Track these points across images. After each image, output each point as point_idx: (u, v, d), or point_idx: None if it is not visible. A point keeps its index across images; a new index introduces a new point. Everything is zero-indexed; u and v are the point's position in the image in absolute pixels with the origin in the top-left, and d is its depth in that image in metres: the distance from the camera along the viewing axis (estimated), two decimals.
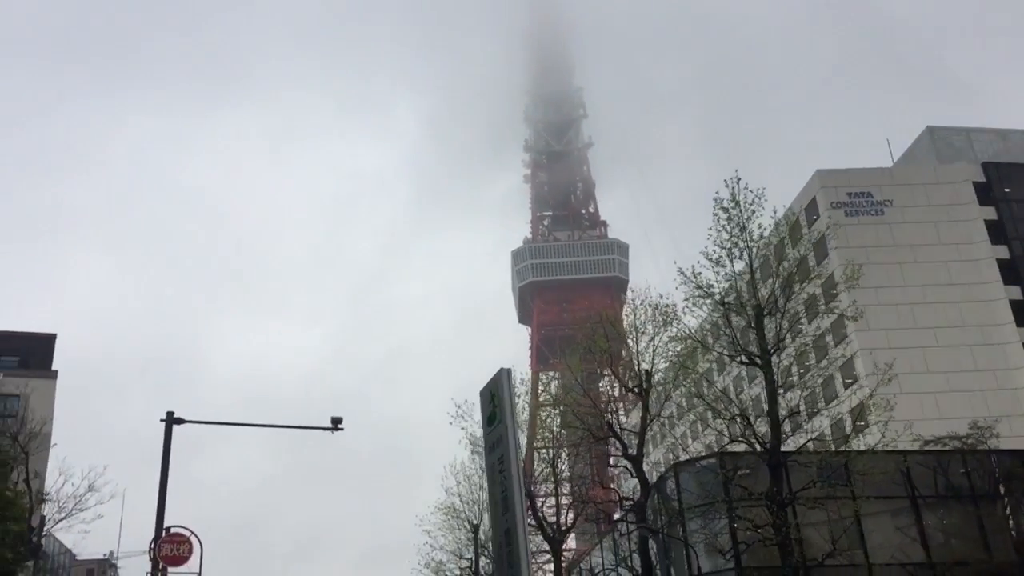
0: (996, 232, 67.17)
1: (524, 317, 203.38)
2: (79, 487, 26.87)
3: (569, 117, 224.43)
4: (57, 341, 53.33)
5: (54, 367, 49.74)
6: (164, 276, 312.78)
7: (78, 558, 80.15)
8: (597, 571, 37.60)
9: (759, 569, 28.24)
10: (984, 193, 68.50)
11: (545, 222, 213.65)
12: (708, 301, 29.19)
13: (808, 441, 28.09)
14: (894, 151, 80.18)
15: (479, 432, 39.36)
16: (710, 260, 28.95)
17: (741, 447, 29.64)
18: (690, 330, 30.46)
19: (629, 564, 34.76)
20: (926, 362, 61.68)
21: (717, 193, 29.72)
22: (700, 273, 28.97)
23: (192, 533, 20.95)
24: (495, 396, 14.61)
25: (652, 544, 32.70)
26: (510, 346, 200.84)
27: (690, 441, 41.54)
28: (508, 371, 14.64)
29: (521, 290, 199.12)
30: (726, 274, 29.81)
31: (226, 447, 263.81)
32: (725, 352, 29.80)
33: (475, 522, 43.50)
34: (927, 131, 77.08)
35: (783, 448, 27.65)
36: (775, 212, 30.07)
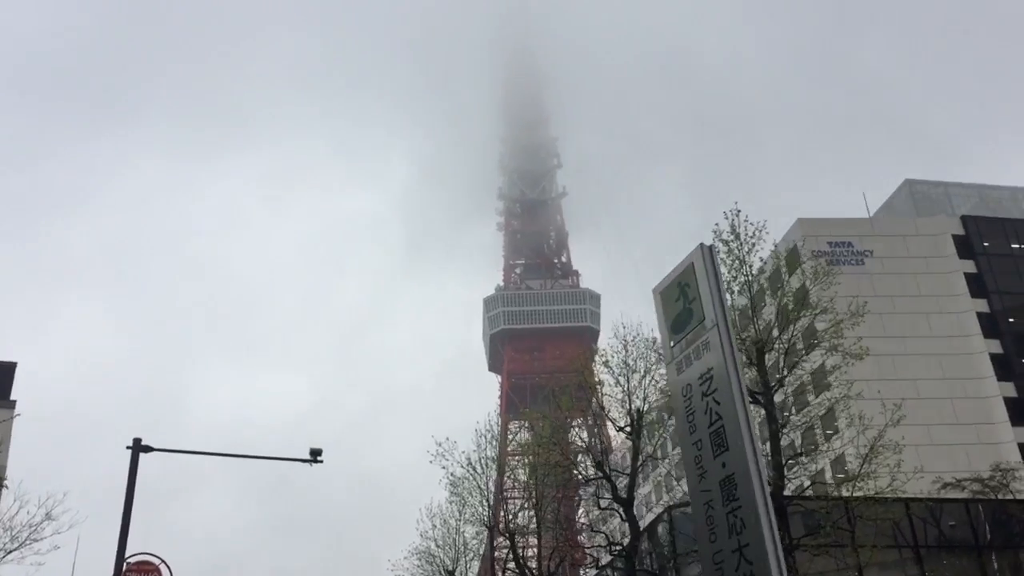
0: (976, 285, 67.03)
1: (494, 365, 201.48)
2: (35, 515, 24.86)
3: (544, 166, 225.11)
4: (24, 374, 51.23)
5: (13, 397, 47.63)
6: (149, 320, 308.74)
7: None
8: None
9: None
10: (964, 246, 68.50)
11: (518, 270, 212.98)
12: None
13: (810, 485, 26.89)
14: (874, 205, 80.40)
15: (459, 471, 37.88)
16: None
17: None
18: None
19: None
20: (906, 414, 60.80)
21: (717, 225, 28.82)
22: None
23: (162, 561, 19.19)
24: (688, 288, 10.40)
25: None
26: (490, 395, 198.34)
27: (675, 481, 40.19)
28: (709, 248, 10.59)
29: (492, 337, 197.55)
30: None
31: (201, 495, 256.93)
32: None
33: (450, 568, 41.69)
34: (905, 184, 77.39)
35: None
36: (775, 245, 29.25)
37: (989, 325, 65.75)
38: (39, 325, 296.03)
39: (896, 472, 24.64)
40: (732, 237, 28.79)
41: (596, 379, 32.13)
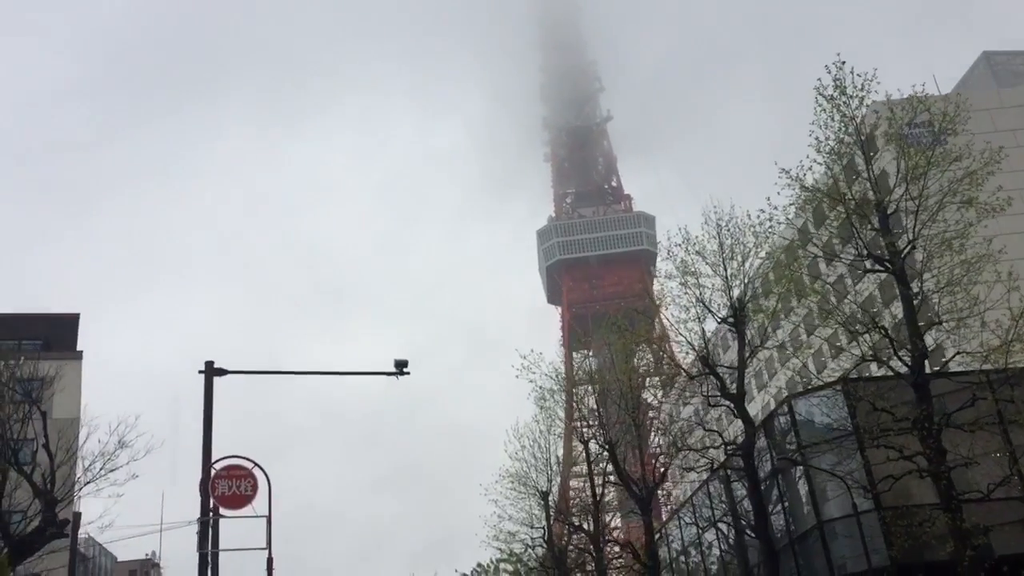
0: None
1: (553, 297, 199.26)
2: (107, 443, 23.08)
3: (586, 92, 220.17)
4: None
5: (79, 348, 46.71)
6: (244, 285, 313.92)
7: (119, 560, 77.36)
8: (701, 524, 33.84)
9: (900, 508, 24.29)
10: None
11: (568, 199, 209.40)
12: (825, 201, 25.28)
13: (954, 356, 24.09)
14: (950, 84, 75.60)
15: (548, 384, 35.64)
16: (821, 154, 25.04)
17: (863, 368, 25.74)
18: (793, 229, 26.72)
19: (737, 512, 30.94)
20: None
21: (819, 80, 25.81)
22: (811, 168, 25.13)
23: (255, 464, 17.21)
24: None
25: (774, 485, 28.99)
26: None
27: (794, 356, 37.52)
28: None
29: (548, 269, 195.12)
30: (830, 172, 26.11)
31: (302, 457, 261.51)
32: (841, 257, 26.03)
33: (544, 489, 39.71)
34: (983, 56, 72.26)
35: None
36: (889, 96, 26.26)
37: None
38: (136, 294, 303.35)
39: None
40: (837, 92, 25.81)
41: (692, 269, 29.46)
